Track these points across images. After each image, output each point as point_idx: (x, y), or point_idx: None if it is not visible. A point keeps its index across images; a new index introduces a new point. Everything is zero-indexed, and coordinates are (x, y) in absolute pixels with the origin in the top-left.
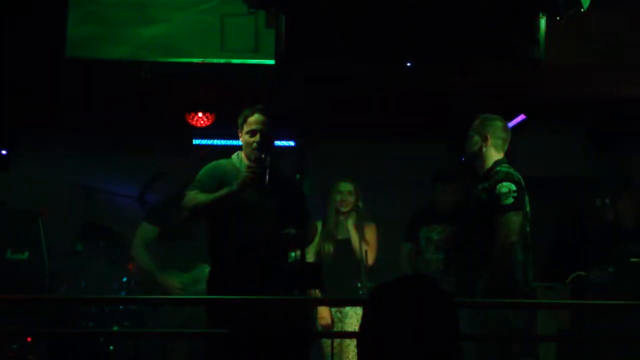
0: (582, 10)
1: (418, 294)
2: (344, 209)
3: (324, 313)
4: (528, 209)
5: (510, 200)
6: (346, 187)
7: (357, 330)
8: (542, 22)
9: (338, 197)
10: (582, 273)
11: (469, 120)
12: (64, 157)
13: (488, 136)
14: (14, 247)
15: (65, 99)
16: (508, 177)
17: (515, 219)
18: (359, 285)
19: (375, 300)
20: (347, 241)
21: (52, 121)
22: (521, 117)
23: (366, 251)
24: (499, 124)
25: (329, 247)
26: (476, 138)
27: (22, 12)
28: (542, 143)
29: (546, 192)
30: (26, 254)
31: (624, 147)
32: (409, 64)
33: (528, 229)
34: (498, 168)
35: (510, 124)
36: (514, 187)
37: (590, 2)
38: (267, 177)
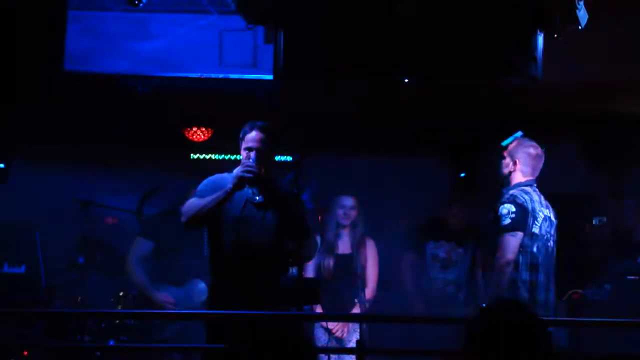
0: (580, 27)
1: (515, 319)
2: (345, 223)
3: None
4: (536, 229)
5: (507, 221)
6: (349, 201)
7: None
8: (540, 39)
9: (341, 212)
10: (579, 290)
11: (467, 135)
12: (61, 171)
13: (518, 161)
14: (11, 260)
15: (63, 113)
16: (511, 199)
17: (510, 239)
18: (356, 301)
19: (478, 323)
20: (347, 256)
21: (50, 135)
22: (517, 133)
23: (364, 266)
24: (531, 151)
25: (329, 262)
26: (507, 161)
27: (20, 25)
28: None
29: None
30: (22, 267)
31: (622, 164)
32: (406, 80)
33: (535, 250)
34: (511, 190)
35: (506, 141)
36: (513, 209)
37: (588, 20)
38: (262, 188)
